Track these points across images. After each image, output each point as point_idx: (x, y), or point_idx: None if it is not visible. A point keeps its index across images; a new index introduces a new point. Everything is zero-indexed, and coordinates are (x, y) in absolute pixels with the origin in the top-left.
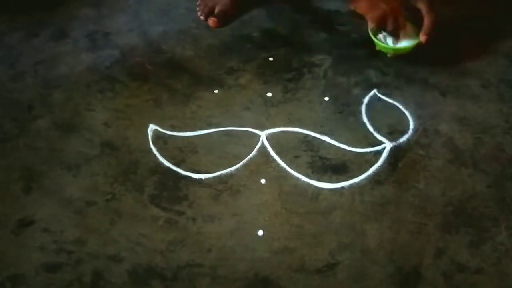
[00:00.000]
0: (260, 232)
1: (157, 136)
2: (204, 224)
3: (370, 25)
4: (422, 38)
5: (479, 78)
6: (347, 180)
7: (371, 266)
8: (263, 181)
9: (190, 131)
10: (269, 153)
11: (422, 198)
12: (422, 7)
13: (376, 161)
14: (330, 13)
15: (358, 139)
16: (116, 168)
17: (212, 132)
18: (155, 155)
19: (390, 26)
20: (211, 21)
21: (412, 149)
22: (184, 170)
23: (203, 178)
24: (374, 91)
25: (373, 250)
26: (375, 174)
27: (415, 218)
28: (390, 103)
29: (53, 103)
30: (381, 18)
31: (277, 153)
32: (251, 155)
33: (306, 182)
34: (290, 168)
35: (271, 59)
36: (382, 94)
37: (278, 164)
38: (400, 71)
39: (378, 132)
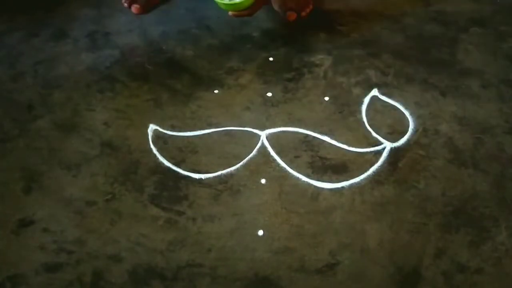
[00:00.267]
0: (260, 232)
1: (157, 136)
2: (204, 224)
3: None
4: None
5: (479, 78)
6: (347, 180)
7: (371, 266)
8: (263, 181)
9: (190, 131)
10: (269, 153)
11: (422, 198)
12: None
13: (376, 161)
14: (330, 13)
15: (358, 139)
16: (116, 168)
17: (212, 132)
18: (155, 155)
19: None
20: (134, 8)
21: (412, 149)
22: (184, 170)
23: (203, 178)
24: (374, 91)
25: (373, 250)
26: (375, 174)
27: (415, 218)
28: (390, 103)
29: (53, 103)
30: None
31: (277, 153)
32: (251, 155)
33: (306, 182)
34: (290, 168)
35: (271, 59)
36: (382, 94)
37: (278, 164)
38: (400, 71)
39: (378, 132)
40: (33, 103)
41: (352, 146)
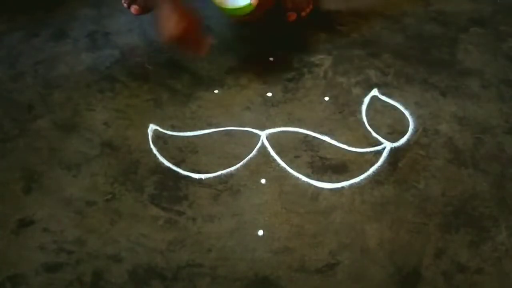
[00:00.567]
0: (260, 232)
1: (157, 136)
2: (204, 224)
3: None
4: (253, 0)
5: (479, 78)
6: (347, 180)
7: (371, 266)
8: (263, 181)
9: (190, 131)
10: (269, 153)
11: (422, 198)
12: None
13: (376, 161)
14: (330, 13)
15: (358, 139)
16: (116, 168)
17: (212, 132)
18: (155, 155)
19: None
20: (133, 9)
21: (412, 149)
22: (184, 170)
23: (203, 178)
24: (374, 91)
25: (373, 250)
26: (375, 174)
27: (415, 218)
28: (390, 103)
29: (53, 103)
30: None
31: (277, 153)
32: (251, 155)
33: (306, 182)
34: (290, 168)
35: (271, 59)
36: (382, 94)
37: (278, 164)
38: (400, 71)
39: (378, 132)
40: (33, 103)
41: (352, 146)
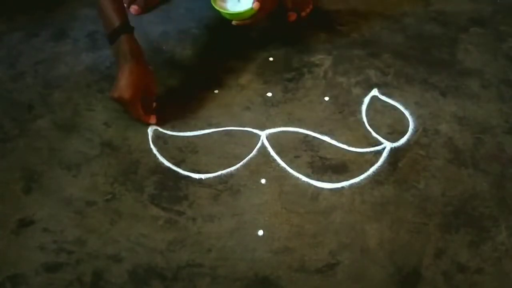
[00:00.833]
0: (260, 232)
1: (157, 136)
2: (204, 224)
3: None
4: (254, 4)
5: (479, 78)
6: (347, 180)
7: (371, 266)
8: (263, 181)
9: (190, 131)
10: (269, 153)
11: (422, 198)
12: None
13: (376, 161)
14: (330, 13)
15: (358, 139)
16: (116, 168)
17: (212, 132)
18: (155, 155)
19: None
20: (133, 9)
21: (412, 149)
22: (184, 170)
23: (203, 178)
24: (374, 91)
25: (373, 250)
26: (375, 174)
27: (415, 218)
28: (390, 103)
29: (53, 103)
30: None
31: (277, 153)
32: (251, 155)
33: (306, 182)
34: (290, 168)
35: (271, 59)
36: (382, 94)
37: (278, 164)
38: (400, 71)
39: (378, 132)
40: (33, 103)
41: (352, 146)
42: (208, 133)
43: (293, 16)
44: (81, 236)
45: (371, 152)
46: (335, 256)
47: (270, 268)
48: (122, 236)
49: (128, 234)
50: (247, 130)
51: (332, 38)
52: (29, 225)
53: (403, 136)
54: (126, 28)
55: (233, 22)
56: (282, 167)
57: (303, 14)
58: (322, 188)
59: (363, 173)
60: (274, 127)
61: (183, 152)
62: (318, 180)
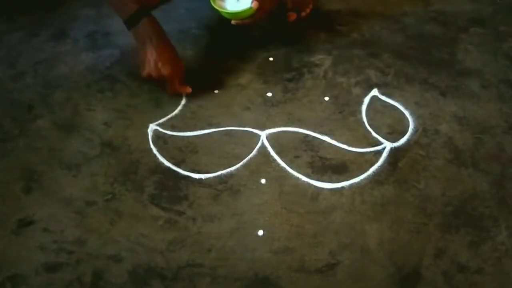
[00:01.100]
0: (260, 232)
1: (157, 136)
2: (204, 224)
3: None
4: (253, 4)
5: (479, 78)
6: (347, 180)
7: (371, 266)
8: (263, 181)
9: (190, 131)
10: (269, 153)
11: (422, 198)
12: None
13: (376, 161)
14: (330, 13)
15: (358, 139)
16: (116, 168)
17: (212, 132)
18: (155, 155)
19: None
20: None
21: (412, 149)
22: (184, 170)
23: (203, 178)
24: (374, 91)
25: (373, 250)
26: (375, 174)
27: (415, 218)
28: (390, 103)
29: (53, 103)
30: None
31: (277, 153)
32: (251, 155)
33: (306, 182)
34: (290, 168)
35: (271, 59)
36: (382, 94)
37: (278, 164)
38: (400, 71)
39: (378, 132)
40: (33, 103)
41: (352, 146)
42: (208, 133)
43: (293, 16)
44: (81, 236)
45: (371, 152)
46: (335, 256)
47: (270, 268)
48: (122, 236)
49: (128, 234)
50: (247, 130)
51: (332, 38)
52: (29, 225)
53: (403, 136)
54: (145, 11)
55: (232, 22)
56: (282, 167)
57: (303, 14)
58: (322, 188)
59: (363, 173)
60: (274, 127)
61: (183, 152)
62: (318, 180)
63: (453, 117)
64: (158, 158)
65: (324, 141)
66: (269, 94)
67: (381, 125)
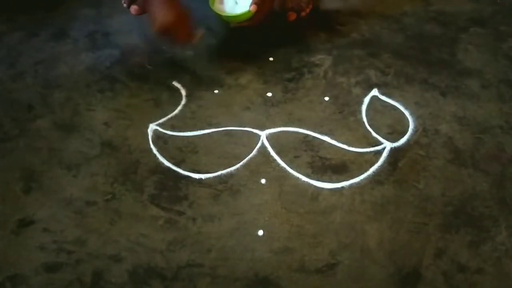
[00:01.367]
0: (260, 232)
1: (157, 136)
2: (204, 224)
3: None
4: (252, 7)
5: (479, 78)
6: (347, 180)
7: (371, 266)
8: (263, 181)
9: (190, 131)
10: (269, 153)
11: (422, 198)
12: None
13: (376, 161)
14: (330, 13)
15: (358, 139)
16: (116, 168)
17: (212, 132)
18: (155, 155)
19: None
20: (133, 9)
21: (412, 149)
22: (184, 170)
23: (203, 178)
24: (374, 91)
25: (373, 250)
26: (375, 174)
27: (415, 218)
28: (390, 103)
29: (53, 103)
30: None
31: (277, 153)
32: (251, 155)
33: (306, 182)
34: (290, 168)
35: (271, 59)
36: (382, 94)
37: (278, 164)
38: (400, 71)
39: (378, 132)
40: (33, 103)
41: (352, 146)
42: (208, 133)
43: (293, 16)
44: (81, 236)
45: (371, 152)
46: (335, 256)
47: (270, 268)
48: (122, 236)
49: (128, 234)
50: (247, 130)
51: (332, 38)
52: (29, 225)
53: (403, 136)
54: None
55: (231, 25)
56: (282, 167)
57: (303, 14)
58: (322, 188)
59: (363, 173)
60: (274, 127)
61: (183, 152)
62: (318, 180)
63: (453, 117)
64: (158, 158)
65: (324, 141)
66: (269, 94)
67: (381, 125)
